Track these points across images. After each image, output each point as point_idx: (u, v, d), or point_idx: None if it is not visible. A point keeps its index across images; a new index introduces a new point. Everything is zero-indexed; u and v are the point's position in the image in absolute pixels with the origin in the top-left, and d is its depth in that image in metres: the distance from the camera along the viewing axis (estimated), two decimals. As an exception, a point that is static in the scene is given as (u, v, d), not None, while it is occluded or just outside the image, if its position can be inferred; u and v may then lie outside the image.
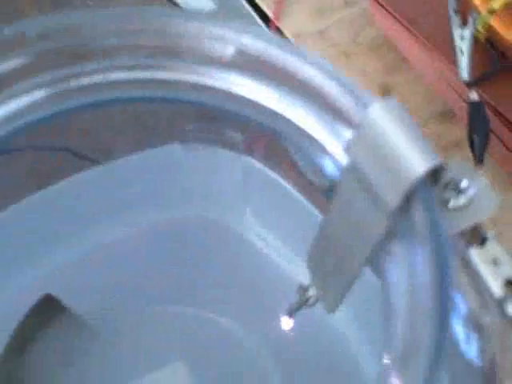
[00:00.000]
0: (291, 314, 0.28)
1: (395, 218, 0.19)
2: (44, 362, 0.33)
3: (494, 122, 0.42)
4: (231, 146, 0.36)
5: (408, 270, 0.19)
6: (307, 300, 0.27)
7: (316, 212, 0.37)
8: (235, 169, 0.38)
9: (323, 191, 0.33)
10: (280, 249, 0.40)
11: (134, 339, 0.39)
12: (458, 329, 0.21)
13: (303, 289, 0.27)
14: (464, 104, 0.43)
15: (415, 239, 0.18)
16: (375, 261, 0.21)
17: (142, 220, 0.40)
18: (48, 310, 0.32)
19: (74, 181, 0.35)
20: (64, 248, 0.37)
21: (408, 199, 0.18)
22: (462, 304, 0.21)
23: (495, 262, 0.22)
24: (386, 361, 0.19)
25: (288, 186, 0.36)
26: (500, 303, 0.21)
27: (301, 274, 0.39)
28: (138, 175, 0.38)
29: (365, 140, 0.19)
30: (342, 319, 0.36)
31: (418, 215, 0.18)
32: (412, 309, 0.18)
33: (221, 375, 0.40)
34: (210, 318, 0.40)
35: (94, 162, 0.35)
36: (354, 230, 0.21)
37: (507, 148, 0.43)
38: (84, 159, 0.37)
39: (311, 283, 0.26)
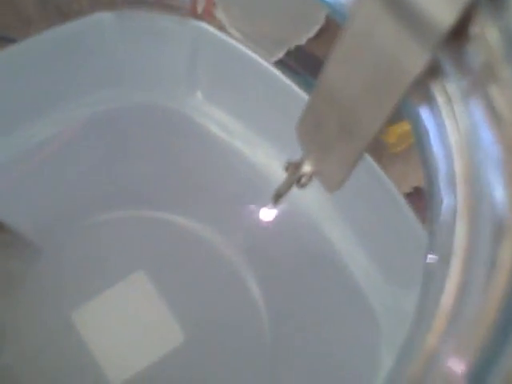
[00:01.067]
0: (278, 198, 0.23)
1: (444, 47, 0.14)
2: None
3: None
4: (175, 8, 0.29)
5: (465, 122, 0.14)
6: (299, 179, 0.22)
7: (289, 84, 0.31)
8: (182, 39, 0.31)
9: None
10: (242, 133, 0.35)
11: (84, 253, 0.34)
12: None
13: (294, 165, 0.22)
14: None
15: (474, 78, 0.13)
16: (408, 114, 0.16)
17: (72, 114, 0.34)
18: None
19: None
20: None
21: (468, 18, 0.13)
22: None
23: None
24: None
25: (253, 54, 0.30)
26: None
27: (273, 162, 0.34)
28: (59, 56, 0.31)
29: None
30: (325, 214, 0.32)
31: (488, 35, 0.13)
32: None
33: (190, 282, 0.35)
34: (170, 220, 0.35)
35: (9, 40, 0.28)
36: (372, 75, 0.16)
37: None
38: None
39: (304, 157, 0.21)
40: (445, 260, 0.13)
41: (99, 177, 0.34)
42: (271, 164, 0.35)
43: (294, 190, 0.23)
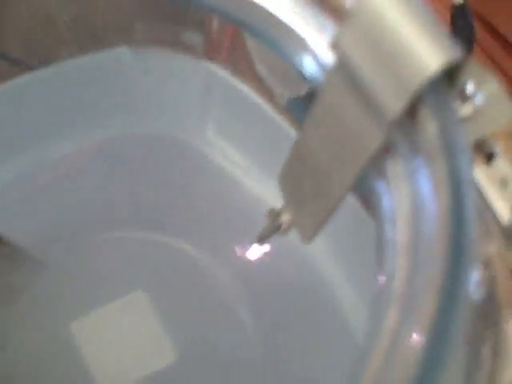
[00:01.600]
0: (261, 240, 0.25)
1: (395, 129, 0.15)
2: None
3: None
4: (189, 49, 0.31)
5: (410, 196, 0.15)
6: (279, 226, 0.23)
7: (287, 127, 0.33)
8: (194, 77, 0.33)
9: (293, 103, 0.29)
10: (247, 168, 0.37)
11: (86, 270, 0.35)
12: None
13: (275, 213, 0.23)
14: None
15: (421, 158, 0.15)
16: (365, 184, 0.17)
17: (86, 138, 0.36)
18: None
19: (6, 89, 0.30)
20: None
21: (414, 105, 0.15)
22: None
23: (503, 183, 0.19)
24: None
25: (256, 97, 0.32)
26: (507, 231, 0.18)
27: (271, 196, 0.36)
28: (78, 85, 0.33)
29: (358, 29, 0.15)
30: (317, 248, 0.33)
31: (428, 126, 0.14)
32: (415, 245, 0.15)
33: (184, 304, 0.37)
34: (171, 244, 0.37)
35: (32, 68, 0.30)
36: (338, 144, 0.18)
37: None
38: (20, 65, 0.32)
39: (284, 207, 0.23)
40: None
41: (103, 198, 0.36)
42: (273, 199, 0.36)
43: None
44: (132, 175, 0.35)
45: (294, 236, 0.33)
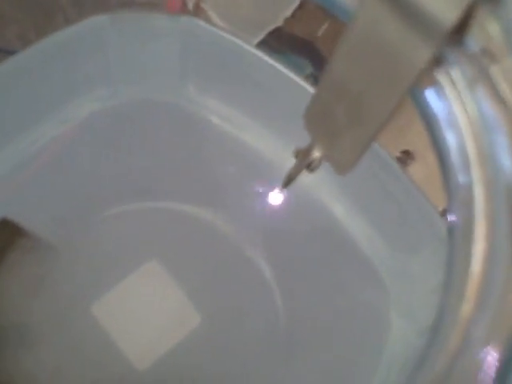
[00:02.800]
0: (289, 182, 0.25)
1: (447, 40, 0.15)
2: (10, 296, 0.29)
3: None
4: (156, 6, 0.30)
5: (471, 104, 0.15)
6: (310, 164, 0.23)
7: (273, 68, 0.33)
8: (172, 34, 0.32)
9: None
10: (236, 119, 0.36)
11: (98, 247, 0.35)
12: None
13: (303, 152, 0.23)
14: None
15: (481, 62, 0.15)
16: (415, 99, 0.17)
17: (70, 115, 0.35)
18: (5, 235, 0.27)
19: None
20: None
21: (468, 11, 0.15)
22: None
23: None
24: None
25: (238, 40, 0.31)
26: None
27: (271, 149, 0.36)
28: (56, 62, 0.32)
29: None
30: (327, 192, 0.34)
31: (489, 27, 0.14)
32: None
33: (201, 267, 0.37)
34: (180, 210, 0.36)
35: (11, 52, 0.28)
36: (378, 67, 0.18)
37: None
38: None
39: (313, 143, 0.23)
40: (467, 227, 0.15)
41: (104, 173, 0.35)
42: (266, 146, 0.36)
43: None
44: (125, 146, 0.35)
45: (307, 181, 0.34)
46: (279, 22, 0.42)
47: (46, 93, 0.31)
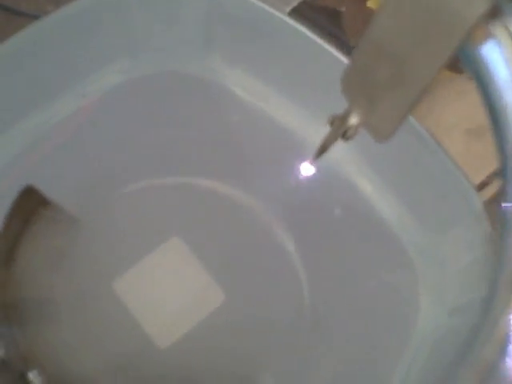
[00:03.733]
0: (322, 152, 0.24)
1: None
2: (32, 269, 0.28)
3: None
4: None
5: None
6: (345, 131, 0.22)
7: (304, 32, 0.31)
8: (194, 4, 0.31)
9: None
10: (267, 95, 0.35)
11: (120, 222, 0.34)
12: None
13: (339, 118, 0.22)
14: None
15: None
16: (467, 55, 0.16)
17: (93, 87, 0.34)
18: (30, 204, 0.26)
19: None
20: (20, 132, 0.30)
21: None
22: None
23: None
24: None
25: (276, 11, 0.30)
26: None
27: (299, 122, 0.35)
28: (80, 29, 0.31)
29: None
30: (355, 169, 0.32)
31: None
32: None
33: (223, 243, 0.36)
34: (202, 186, 0.35)
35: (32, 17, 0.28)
36: (425, 24, 0.16)
37: None
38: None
39: (351, 109, 0.22)
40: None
41: (127, 146, 0.35)
42: (293, 118, 0.35)
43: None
44: (150, 119, 0.34)
45: (336, 157, 0.33)
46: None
47: (66, 63, 0.30)
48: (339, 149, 0.32)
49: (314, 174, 0.33)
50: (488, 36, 0.15)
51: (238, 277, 0.36)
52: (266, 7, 0.31)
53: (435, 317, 0.32)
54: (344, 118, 0.22)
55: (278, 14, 0.30)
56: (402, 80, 0.18)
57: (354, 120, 0.22)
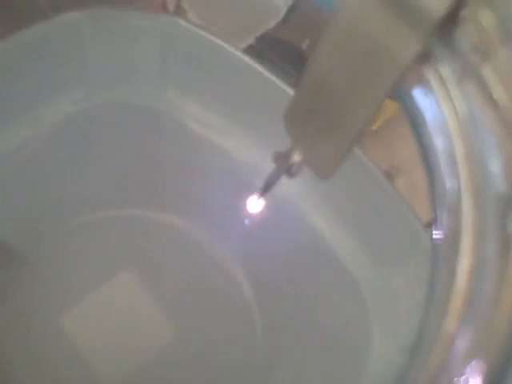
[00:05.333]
0: (267, 188, 0.24)
1: (435, 32, 0.14)
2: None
3: None
4: (145, 5, 0.29)
5: (460, 103, 0.14)
6: (289, 168, 0.22)
7: (258, 72, 0.31)
8: (153, 34, 0.31)
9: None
10: (218, 126, 0.35)
11: (69, 256, 0.33)
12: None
13: (283, 155, 0.22)
14: None
15: (473, 57, 0.14)
16: (404, 99, 0.16)
17: (45, 117, 0.33)
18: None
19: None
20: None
21: (459, 2, 0.14)
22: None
23: None
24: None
25: (225, 44, 0.30)
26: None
27: (253, 155, 0.34)
28: (30, 59, 0.31)
29: None
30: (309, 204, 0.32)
31: (482, 19, 0.13)
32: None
33: (175, 278, 0.35)
34: (155, 219, 0.35)
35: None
36: (361, 64, 0.16)
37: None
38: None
39: (294, 147, 0.21)
40: (453, 238, 0.14)
41: (77, 178, 0.34)
42: (247, 152, 0.35)
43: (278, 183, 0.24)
44: (101, 150, 0.33)
45: (289, 193, 0.33)
46: (268, 27, 0.41)
47: (17, 93, 0.30)
48: (293, 184, 0.32)
49: (268, 210, 0.33)
50: (420, 79, 0.15)
51: (188, 314, 0.35)
52: (219, 41, 0.31)
53: (388, 353, 0.32)
54: (287, 154, 0.22)
55: (230, 48, 0.30)
56: (340, 120, 0.18)
57: (296, 157, 0.21)
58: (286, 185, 0.26)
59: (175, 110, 0.35)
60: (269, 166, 0.31)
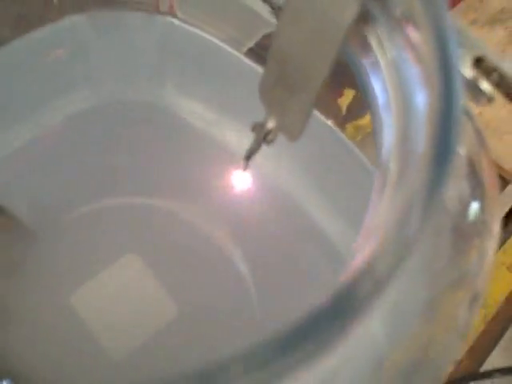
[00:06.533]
0: (249, 157, 0.27)
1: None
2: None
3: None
4: (142, 6, 0.32)
5: (394, 66, 0.17)
6: (266, 135, 0.25)
7: (252, 69, 0.34)
8: (150, 34, 0.34)
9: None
10: (217, 121, 0.38)
11: (77, 239, 0.36)
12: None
13: (260, 124, 0.25)
14: None
15: (403, 24, 0.17)
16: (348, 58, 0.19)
17: (48, 118, 0.36)
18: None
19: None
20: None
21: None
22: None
23: (460, 43, 0.21)
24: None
25: (221, 43, 0.33)
26: (472, 83, 0.21)
27: (247, 145, 0.37)
28: (35, 61, 0.34)
29: None
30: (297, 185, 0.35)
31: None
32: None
33: (178, 261, 0.38)
34: (157, 206, 0.38)
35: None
36: (313, 31, 0.20)
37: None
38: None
39: (268, 115, 0.24)
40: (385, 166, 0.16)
41: (82, 172, 0.37)
42: (244, 146, 0.38)
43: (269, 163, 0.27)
44: (104, 147, 0.36)
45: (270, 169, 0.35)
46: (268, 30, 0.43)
47: (20, 95, 0.33)
48: (285, 169, 0.35)
49: (252, 187, 0.36)
50: (361, 41, 0.18)
51: (190, 289, 0.38)
52: (214, 40, 0.34)
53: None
54: (263, 123, 0.25)
55: (226, 47, 0.33)
56: (301, 83, 0.21)
57: (270, 124, 0.24)
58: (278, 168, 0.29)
59: (174, 106, 0.38)
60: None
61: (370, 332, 0.16)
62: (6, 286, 0.32)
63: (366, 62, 0.18)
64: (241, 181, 0.36)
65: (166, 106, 0.38)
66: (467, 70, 0.21)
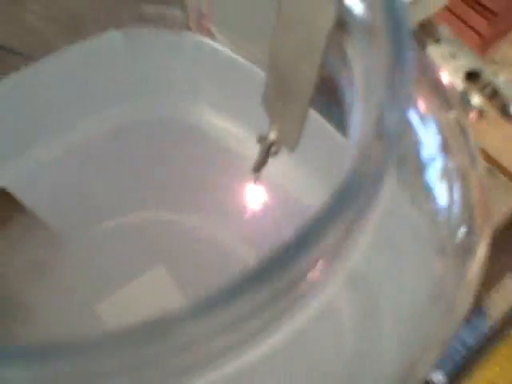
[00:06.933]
0: (257, 169, 0.27)
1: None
2: (13, 273, 0.31)
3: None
4: (172, 24, 0.34)
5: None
6: (269, 148, 0.25)
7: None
8: (181, 51, 0.35)
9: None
10: (249, 141, 0.39)
11: (105, 250, 0.37)
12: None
13: (263, 137, 0.25)
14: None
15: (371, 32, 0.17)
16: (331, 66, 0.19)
17: (87, 130, 0.38)
18: (4, 207, 0.29)
19: None
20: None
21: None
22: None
23: (453, 56, 0.21)
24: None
25: (250, 64, 0.34)
26: (463, 95, 0.20)
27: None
28: (69, 77, 0.36)
29: None
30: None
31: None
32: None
33: (204, 273, 0.38)
34: (182, 221, 0.39)
35: (19, 55, 0.32)
36: (300, 38, 0.20)
37: None
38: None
39: (270, 127, 0.25)
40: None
41: (111, 186, 0.38)
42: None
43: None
44: (135, 164, 0.37)
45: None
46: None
47: (58, 107, 0.35)
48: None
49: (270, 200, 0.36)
50: (339, 46, 0.19)
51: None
52: (251, 66, 0.34)
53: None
54: (266, 136, 0.25)
55: (260, 72, 0.34)
56: (294, 93, 0.22)
57: (273, 136, 0.25)
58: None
59: (205, 123, 0.39)
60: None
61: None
62: (30, 285, 0.33)
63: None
64: (262, 195, 0.37)
65: (199, 123, 0.39)
66: (458, 82, 0.20)
